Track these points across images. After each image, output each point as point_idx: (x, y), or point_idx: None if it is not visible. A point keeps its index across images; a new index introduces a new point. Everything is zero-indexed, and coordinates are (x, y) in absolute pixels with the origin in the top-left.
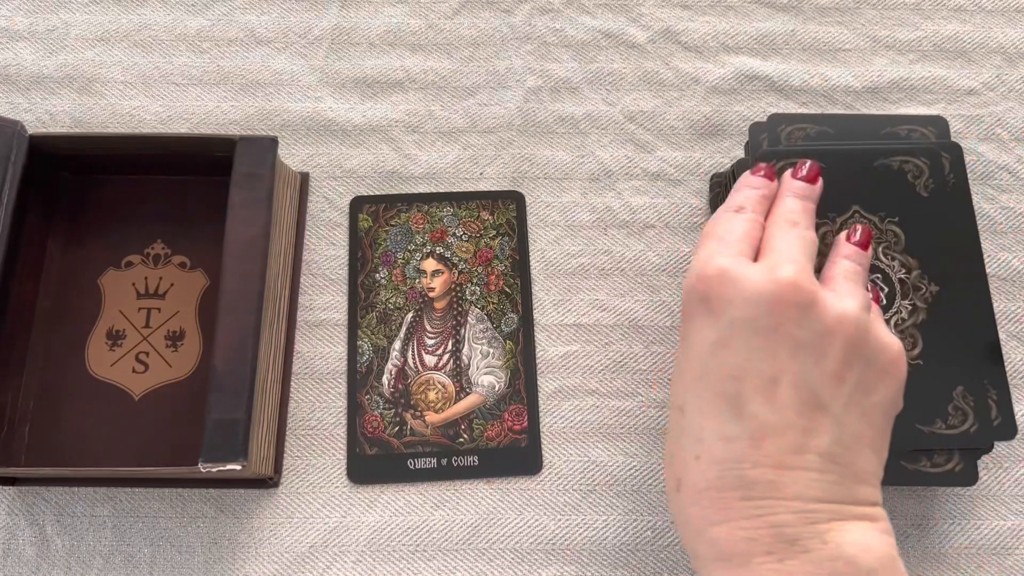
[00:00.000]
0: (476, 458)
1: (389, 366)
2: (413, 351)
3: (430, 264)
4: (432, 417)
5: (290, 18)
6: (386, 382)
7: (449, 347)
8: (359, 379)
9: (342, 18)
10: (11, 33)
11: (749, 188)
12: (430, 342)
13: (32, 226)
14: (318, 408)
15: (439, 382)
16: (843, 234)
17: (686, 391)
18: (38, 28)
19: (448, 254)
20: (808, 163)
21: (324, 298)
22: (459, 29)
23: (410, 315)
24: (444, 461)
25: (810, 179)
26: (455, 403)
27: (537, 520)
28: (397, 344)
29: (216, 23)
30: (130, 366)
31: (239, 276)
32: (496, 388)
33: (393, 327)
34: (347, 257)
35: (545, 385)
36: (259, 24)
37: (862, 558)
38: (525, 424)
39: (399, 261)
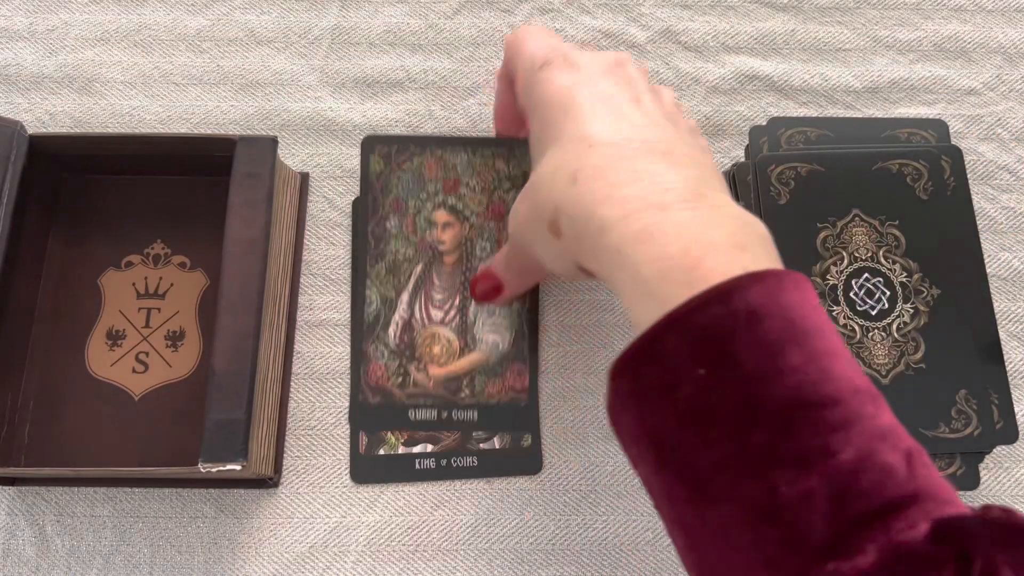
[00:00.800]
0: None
1: (396, 317)
2: (420, 305)
3: (441, 216)
4: (435, 371)
5: (290, 18)
6: (392, 333)
7: (456, 303)
8: (365, 328)
9: (342, 18)
10: (11, 33)
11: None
12: (438, 297)
13: (32, 226)
14: (318, 408)
15: (445, 336)
16: None
17: (541, 130)
18: (38, 28)
19: (460, 206)
20: None
21: (324, 298)
22: (459, 29)
23: (419, 267)
24: (444, 461)
25: None
26: (459, 358)
27: (537, 520)
28: (405, 296)
29: (216, 23)
30: (130, 366)
31: (239, 276)
32: (500, 347)
33: (402, 279)
34: (350, 208)
35: (545, 385)
36: (259, 24)
37: (756, 223)
38: (526, 384)
39: (410, 209)
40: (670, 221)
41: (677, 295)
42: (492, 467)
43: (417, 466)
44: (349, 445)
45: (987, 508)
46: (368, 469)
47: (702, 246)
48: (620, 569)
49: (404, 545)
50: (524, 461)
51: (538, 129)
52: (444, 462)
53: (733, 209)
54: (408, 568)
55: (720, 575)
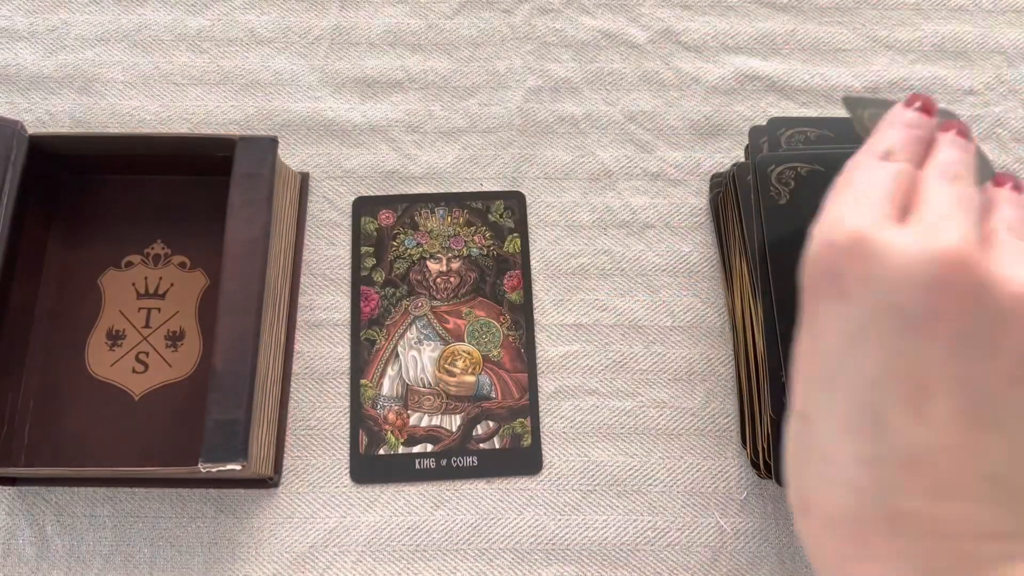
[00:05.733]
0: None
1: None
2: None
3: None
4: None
5: (290, 18)
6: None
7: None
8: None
9: (342, 18)
10: (11, 33)
11: (902, 126)
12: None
13: (32, 226)
14: (318, 408)
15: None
16: (994, 177)
17: (812, 394)
18: (38, 28)
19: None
20: (956, 121)
21: (324, 298)
22: (459, 29)
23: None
24: (444, 461)
25: (964, 134)
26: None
27: (537, 520)
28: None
29: (216, 23)
30: (130, 366)
31: (239, 276)
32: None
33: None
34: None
35: (545, 385)
36: (259, 24)
37: None
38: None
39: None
40: None
41: None
42: (492, 467)
43: (417, 466)
44: (349, 445)
45: None
46: (368, 469)
47: None
48: (620, 569)
49: (404, 545)
50: (524, 461)
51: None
52: (444, 462)
53: None
54: (408, 568)
55: None
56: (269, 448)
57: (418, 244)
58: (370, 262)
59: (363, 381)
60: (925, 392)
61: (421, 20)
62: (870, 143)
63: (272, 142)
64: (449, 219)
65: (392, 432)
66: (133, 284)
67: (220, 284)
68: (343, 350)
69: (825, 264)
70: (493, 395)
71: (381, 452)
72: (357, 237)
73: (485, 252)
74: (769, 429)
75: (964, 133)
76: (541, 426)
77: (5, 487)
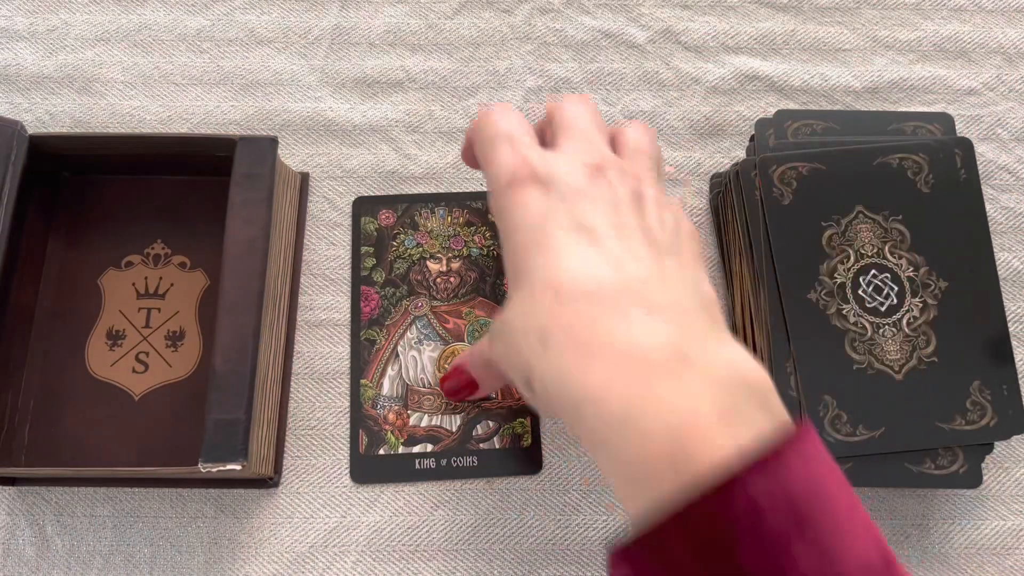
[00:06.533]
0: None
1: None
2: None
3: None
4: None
5: (290, 18)
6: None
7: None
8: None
9: (342, 18)
10: (11, 33)
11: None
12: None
13: (32, 226)
14: (318, 408)
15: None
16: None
17: (511, 269)
18: (38, 28)
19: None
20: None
21: (324, 298)
22: (459, 29)
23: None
24: (444, 461)
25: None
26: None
27: (537, 520)
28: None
29: (216, 23)
30: (130, 366)
31: (239, 276)
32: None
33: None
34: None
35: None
36: (259, 24)
37: (749, 373)
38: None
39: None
40: (650, 397)
41: (665, 482)
42: (492, 467)
43: (417, 466)
44: (349, 445)
45: None
46: (368, 469)
47: (688, 425)
48: None
49: (404, 545)
50: (524, 461)
51: (509, 255)
52: (444, 462)
53: (721, 362)
54: (408, 568)
55: None
56: (269, 448)
57: (418, 244)
58: (370, 262)
59: (363, 381)
60: (619, 215)
61: (421, 20)
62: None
63: (272, 142)
64: (449, 219)
65: (392, 432)
66: (133, 284)
67: (220, 284)
68: (343, 350)
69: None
70: (493, 395)
71: (381, 452)
72: (357, 237)
73: (485, 252)
74: None
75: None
76: (541, 426)
77: (5, 487)
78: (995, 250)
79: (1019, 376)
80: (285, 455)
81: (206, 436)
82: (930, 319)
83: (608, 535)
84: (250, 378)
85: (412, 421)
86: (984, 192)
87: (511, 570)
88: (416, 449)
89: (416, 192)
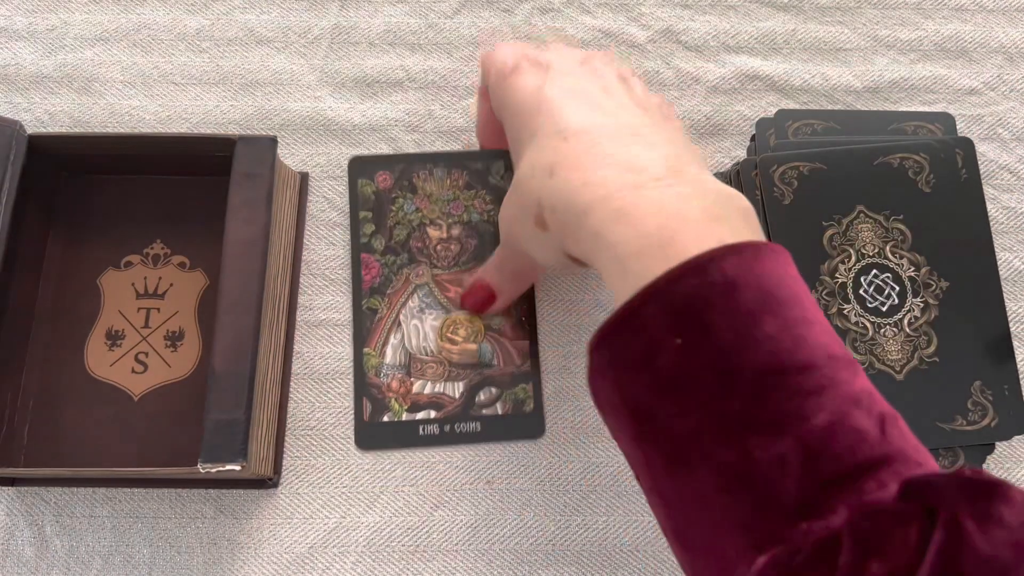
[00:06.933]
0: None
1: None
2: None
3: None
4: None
5: (290, 17)
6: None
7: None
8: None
9: (342, 17)
10: (10, 33)
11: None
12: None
13: (31, 226)
14: (318, 408)
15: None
16: None
17: (563, 120)
18: (37, 28)
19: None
20: None
21: (324, 298)
22: (459, 28)
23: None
24: (447, 428)
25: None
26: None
27: (537, 521)
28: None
29: (215, 22)
30: (129, 366)
31: (239, 276)
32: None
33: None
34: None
35: (545, 386)
36: (259, 23)
37: (735, 196)
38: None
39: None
40: (645, 199)
41: (654, 270)
42: (495, 432)
43: (421, 432)
44: (353, 412)
45: (959, 469)
46: (373, 436)
47: (678, 221)
48: (620, 569)
49: (404, 545)
50: (526, 426)
51: (514, 133)
52: (448, 428)
53: (710, 183)
54: (408, 568)
55: (697, 540)
56: (269, 448)
57: (417, 209)
58: (369, 228)
59: (366, 350)
60: (608, 86)
61: (421, 19)
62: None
63: (272, 142)
64: (448, 181)
65: (396, 399)
66: (132, 284)
67: (219, 284)
68: (343, 350)
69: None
70: (495, 362)
71: (385, 419)
72: (355, 200)
73: (486, 218)
74: None
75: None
76: (544, 391)
77: (4, 487)
78: (996, 250)
79: (1020, 376)
80: (285, 455)
81: (205, 436)
82: (931, 319)
83: (608, 535)
84: (249, 378)
85: (415, 389)
86: (985, 192)
87: (511, 570)
88: (420, 416)
89: (413, 152)
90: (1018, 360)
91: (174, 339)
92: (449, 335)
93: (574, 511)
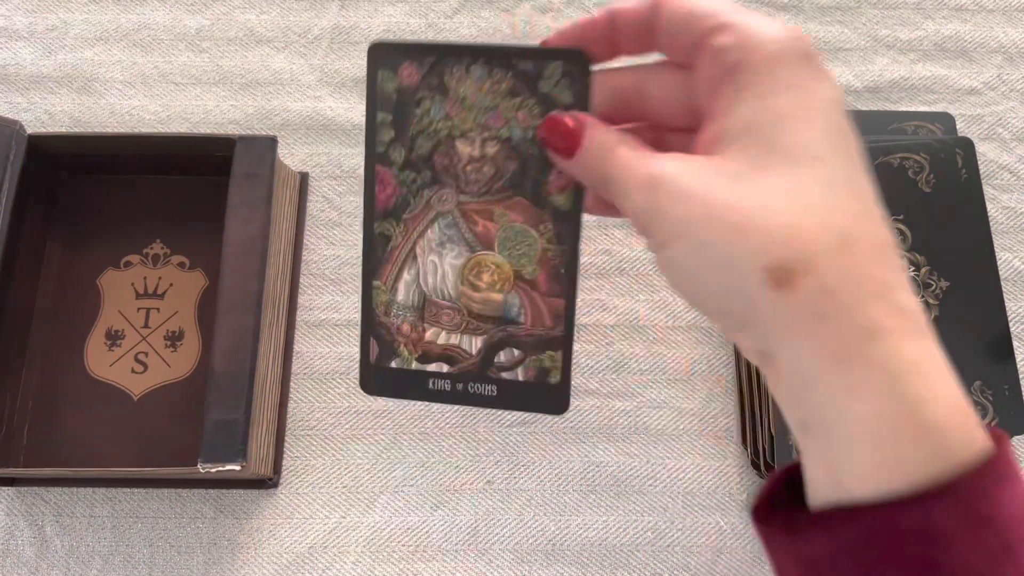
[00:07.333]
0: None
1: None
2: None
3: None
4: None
5: (290, 17)
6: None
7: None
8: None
9: (342, 17)
10: (10, 33)
11: None
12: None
13: (31, 226)
14: (317, 408)
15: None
16: None
17: (820, 139)
18: (37, 28)
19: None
20: None
21: (324, 298)
22: (459, 28)
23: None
24: (460, 386)
25: None
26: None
27: (537, 521)
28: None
29: (215, 22)
30: (129, 366)
31: (238, 276)
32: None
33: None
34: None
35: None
36: (259, 23)
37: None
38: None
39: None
40: (934, 356)
41: (923, 457)
42: (512, 399)
43: (431, 386)
44: (360, 352)
45: None
46: (379, 380)
47: (955, 402)
48: (620, 569)
49: (404, 545)
50: (549, 399)
51: (742, 133)
52: (460, 386)
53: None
54: (408, 568)
55: None
56: (268, 448)
57: (447, 116)
58: (387, 134)
59: (376, 283)
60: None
61: (421, 19)
62: None
63: (271, 141)
64: (488, 83)
65: (406, 346)
66: (132, 284)
67: (219, 284)
68: (343, 350)
69: (802, 47)
70: (522, 319)
71: (393, 365)
72: (373, 97)
73: (531, 136)
74: (770, 430)
75: None
76: (573, 363)
77: (4, 487)
78: (996, 250)
79: (1020, 376)
80: (284, 455)
81: (205, 436)
82: (931, 319)
83: (608, 535)
84: (249, 378)
85: (428, 336)
86: (985, 192)
87: (511, 570)
88: (431, 368)
89: (448, 43)
90: (1018, 360)
91: (174, 339)
92: (471, 279)
93: (574, 511)
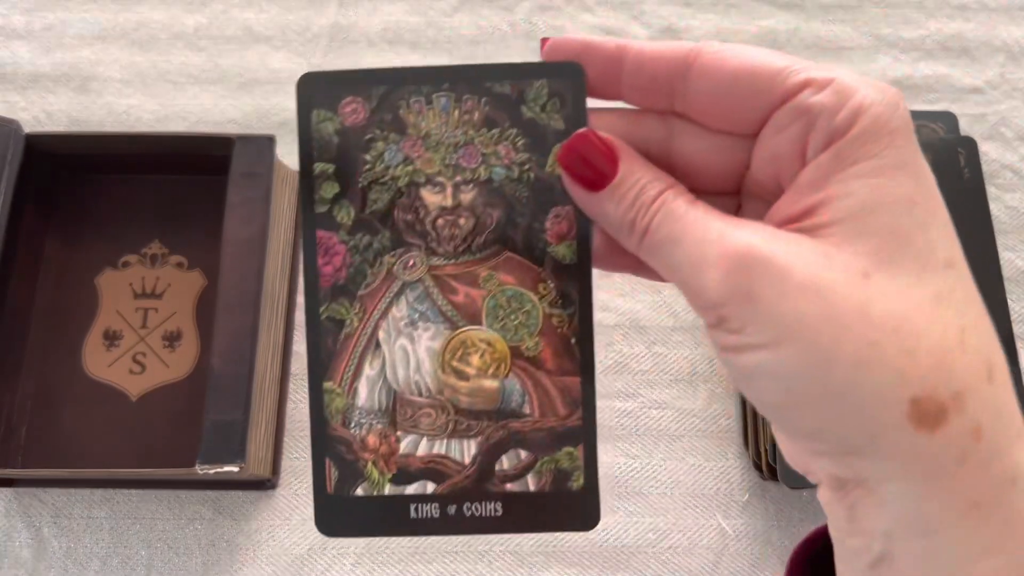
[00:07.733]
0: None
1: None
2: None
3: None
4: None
5: (288, 15)
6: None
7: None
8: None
9: (341, 15)
10: (8, 31)
11: None
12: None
13: (29, 226)
14: None
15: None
16: None
17: (947, 238)
18: (35, 26)
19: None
20: None
21: None
22: (459, 27)
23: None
24: (453, 509)
25: None
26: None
27: None
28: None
29: (214, 21)
30: (127, 367)
31: (237, 276)
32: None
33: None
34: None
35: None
36: (257, 21)
37: None
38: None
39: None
40: None
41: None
42: (524, 518)
43: (414, 514)
44: (312, 480)
45: None
46: (341, 516)
47: None
48: (621, 571)
49: (403, 547)
50: (572, 511)
51: (858, 219)
52: (453, 509)
53: None
54: (407, 570)
55: None
56: (267, 449)
57: (406, 160)
58: (330, 190)
59: (327, 384)
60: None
61: (421, 17)
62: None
63: (270, 141)
64: (456, 115)
65: (374, 464)
66: (130, 284)
67: (218, 284)
68: None
69: (903, 115)
70: (527, 410)
71: (360, 492)
72: (308, 145)
73: (516, 174)
74: (772, 431)
75: None
76: (599, 461)
77: (2, 488)
78: (999, 249)
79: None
80: (283, 457)
81: (204, 437)
82: None
83: (608, 535)
84: (248, 379)
85: (404, 448)
86: (988, 191)
87: (511, 571)
88: (411, 489)
89: (400, 68)
90: (1021, 361)
91: (172, 339)
92: (455, 364)
93: None
